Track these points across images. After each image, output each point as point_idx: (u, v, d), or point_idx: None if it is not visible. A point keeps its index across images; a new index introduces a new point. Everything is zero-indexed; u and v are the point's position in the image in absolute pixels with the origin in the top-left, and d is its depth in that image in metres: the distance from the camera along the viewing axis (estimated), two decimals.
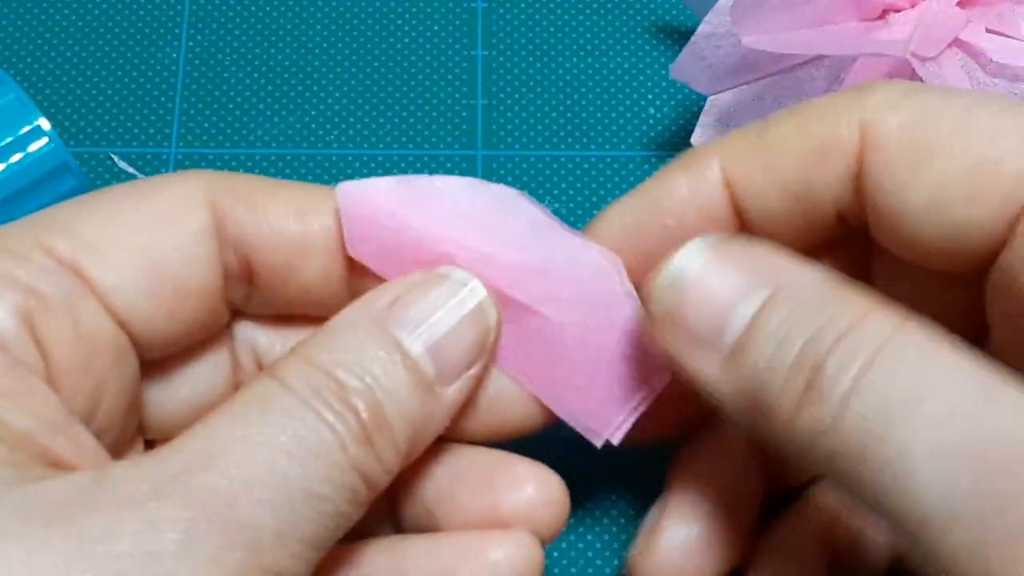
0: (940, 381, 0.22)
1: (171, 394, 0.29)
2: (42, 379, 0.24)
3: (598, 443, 0.29)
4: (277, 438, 0.23)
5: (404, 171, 0.42)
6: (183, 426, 0.29)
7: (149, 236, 0.26)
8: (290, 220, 0.28)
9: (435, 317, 0.26)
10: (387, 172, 0.42)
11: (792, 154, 0.27)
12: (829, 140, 0.27)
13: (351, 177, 0.41)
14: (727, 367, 0.25)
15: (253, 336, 0.30)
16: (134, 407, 0.28)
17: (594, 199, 0.42)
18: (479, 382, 0.28)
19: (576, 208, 0.41)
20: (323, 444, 0.24)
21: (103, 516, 0.21)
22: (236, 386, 0.30)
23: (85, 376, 0.25)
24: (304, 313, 0.29)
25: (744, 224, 0.28)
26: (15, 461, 0.22)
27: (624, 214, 0.29)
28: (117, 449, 0.27)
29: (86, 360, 0.25)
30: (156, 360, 0.28)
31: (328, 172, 0.42)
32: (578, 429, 0.29)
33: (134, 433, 0.28)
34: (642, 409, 0.29)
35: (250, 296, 0.29)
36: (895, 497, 0.22)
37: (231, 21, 0.45)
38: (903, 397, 0.22)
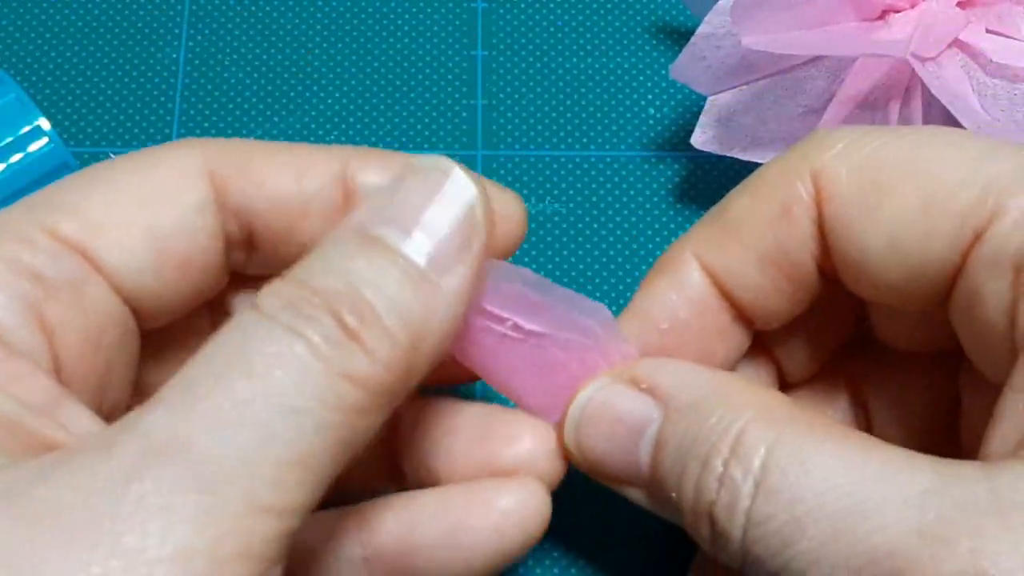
0: (819, 492, 0.23)
1: (163, 359, 0.29)
2: (49, 365, 0.24)
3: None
4: (235, 363, 0.22)
5: None
6: None
7: (152, 211, 0.26)
8: (288, 183, 0.28)
9: (411, 206, 0.24)
10: None
11: (758, 225, 0.28)
12: (787, 200, 0.27)
13: None
14: (654, 502, 0.27)
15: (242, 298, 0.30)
16: (135, 378, 0.28)
17: (594, 199, 0.41)
18: (479, 269, 0.25)
19: (576, 208, 0.41)
20: (290, 354, 0.22)
21: (53, 481, 0.20)
22: None
23: (95, 358, 0.25)
24: None
25: (734, 304, 0.29)
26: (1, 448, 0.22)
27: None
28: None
29: (95, 342, 0.25)
30: (153, 329, 0.28)
31: None
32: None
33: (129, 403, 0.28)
34: None
35: (250, 259, 0.29)
36: None
37: (231, 21, 0.45)
38: (790, 520, 0.23)
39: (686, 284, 0.29)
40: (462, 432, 0.28)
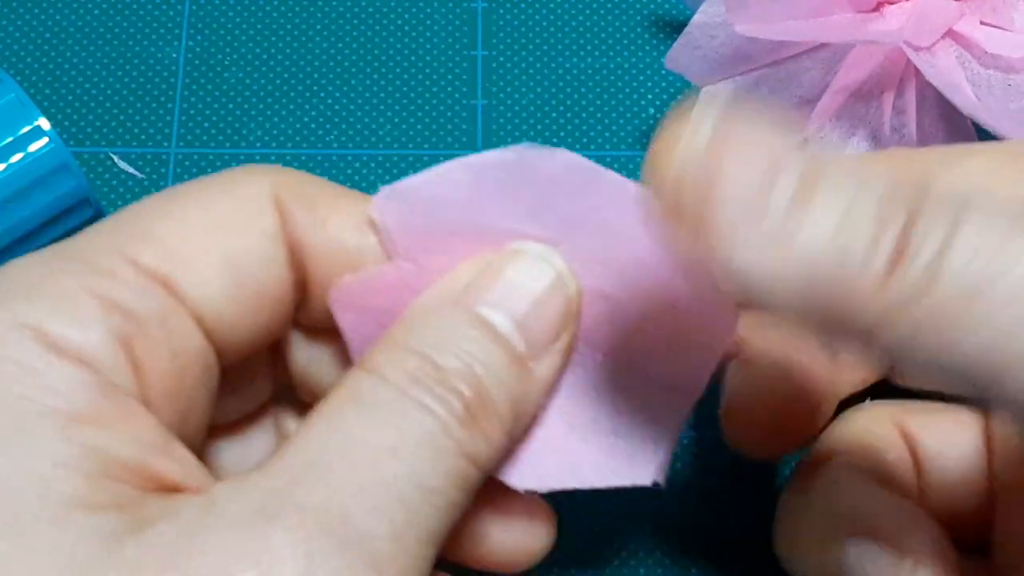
0: None
1: (228, 396, 0.28)
2: (139, 402, 0.23)
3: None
4: (379, 437, 0.23)
5: (404, 171, 0.42)
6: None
7: (228, 239, 0.25)
8: (348, 231, 0.26)
9: (516, 291, 0.25)
10: (387, 172, 0.42)
11: None
12: None
13: (351, 177, 0.42)
14: (779, 250, 0.20)
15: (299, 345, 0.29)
16: (211, 414, 0.27)
17: None
18: (567, 357, 0.26)
19: None
20: (427, 433, 0.23)
21: (214, 551, 0.21)
22: (275, 390, 0.29)
23: (179, 395, 0.25)
24: None
25: None
26: (121, 501, 0.21)
27: None
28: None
29: (179, 377, 0.24)
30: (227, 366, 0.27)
31: (328, 172, 0.42)
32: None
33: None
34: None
35: (303, 305, 0.27)
36: (994, 356, 0.20)
37: (231, 21, 0.45)
38: (1009, 253, 0.20)
39: None
40: None
